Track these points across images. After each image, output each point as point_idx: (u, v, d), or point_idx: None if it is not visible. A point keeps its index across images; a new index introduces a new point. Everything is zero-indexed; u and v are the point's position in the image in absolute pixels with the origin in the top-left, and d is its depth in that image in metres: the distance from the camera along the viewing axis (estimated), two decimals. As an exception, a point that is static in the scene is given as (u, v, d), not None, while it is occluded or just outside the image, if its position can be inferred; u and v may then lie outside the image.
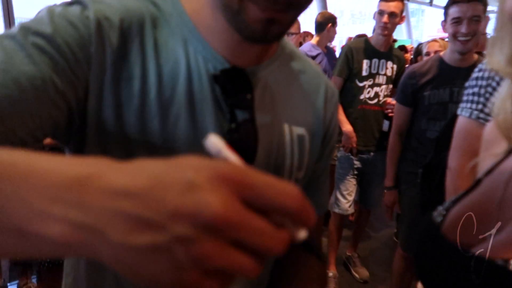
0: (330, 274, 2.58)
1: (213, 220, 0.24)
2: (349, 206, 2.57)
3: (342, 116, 2.47)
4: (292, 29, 2.51)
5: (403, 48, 5.68)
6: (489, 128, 0.65)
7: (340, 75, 2.48)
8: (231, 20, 0.51)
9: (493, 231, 0.50)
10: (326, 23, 3.35)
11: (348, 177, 2.57)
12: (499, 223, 0.50)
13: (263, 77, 0.60)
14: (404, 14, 2.40)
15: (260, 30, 0.49)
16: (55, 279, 1.94)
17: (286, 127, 0.62)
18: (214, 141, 0.30)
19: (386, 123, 2.48)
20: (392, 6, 2.30)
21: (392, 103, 2.39)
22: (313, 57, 3.09)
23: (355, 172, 2.56)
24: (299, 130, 0.64)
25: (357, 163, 2.54)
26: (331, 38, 3.45)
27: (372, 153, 2.51)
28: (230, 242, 0.25)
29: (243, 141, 0.57)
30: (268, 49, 0.60)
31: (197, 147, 0.53)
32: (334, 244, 2.65)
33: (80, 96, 0.50)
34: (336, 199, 2.60)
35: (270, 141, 0.60)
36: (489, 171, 0.58)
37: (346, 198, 2.56)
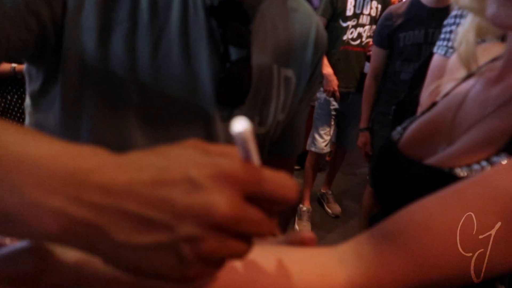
0: (304, 208, 2.72)
1: (220, 220, 0.25)
2: (325, 146, 2.65)
3: (325, 59, 2.47)
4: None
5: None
6: (452, 58, 0.69)
7: (323, 15, 2.44)
8: None
9: (442, 148, 0.55)
10: None
11: (326, 117, 2.62)
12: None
13: (259, 10, 0.57)
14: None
15: None
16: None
17: (275, 68, 0.61)
18: (244, 132, 0.27)
19: (367, 65, 2.50)
20: None
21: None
22: None
23: (333, 113, 2.61)
24: (287, 72, 0.63)
25: (335, 104, 2.59)
26: None
27: (351, 94, 2.55)
28: (231, 235, 0.26)
29: (236, 81, 0.55)
30: None
31: (189, 85, 0.52)
32: (309, 181, 2.76)
33: (55, 16, 0.46)
34: (313, 138, 2.67)
35: (259, 82, 0.59)
36: (446, 94, 0.62)
37: (323, 137, 2.64)
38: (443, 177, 0.47)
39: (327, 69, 2.47)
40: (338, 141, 2.78)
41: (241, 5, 0.53)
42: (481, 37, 0.56)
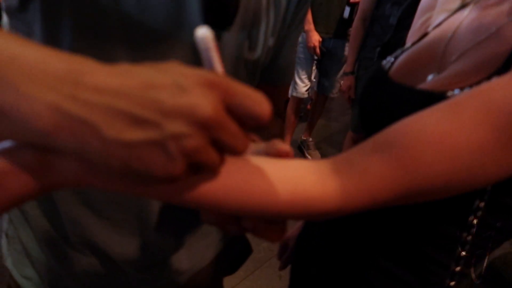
0: (285, 155, 2.78)
1: (204, 119, 0.27)
2: (306, 90, 2.66)
3: (308, 14, 2.42)
4: None
5: None
6: None
7: None
8: None
9: (431, 76, 0.56)
10: None
11: (307, 61, 2.61)
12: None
13: None
14: None
15: None
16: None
17: None
18: (206, 37, 0.30)
19: (347, 10, 2.46)
20: None
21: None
22: None
23: (315, 57, 2.60)
24: None
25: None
26: None
27: (332, 40, 2.53)
28: (211, 140, 0.28)
29: (223, 2, 0.53)
30: None
31: (175, 4, 0.50)
32: (290, 127, 2.79)
33: None
34: (294, 83, 2.67)
35: (248, 4, 0.56)
36: (439, 24, 0.62)
37: (304, 81, 2.64)
38: (435, 100, 0.47)
39: (308, 25, 2.43)
40: (318, 87, 2.79)
41: None
42: None
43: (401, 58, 0.61)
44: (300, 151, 3.02)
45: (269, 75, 0.69)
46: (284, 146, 0.42)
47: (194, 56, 0.52)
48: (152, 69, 0.28)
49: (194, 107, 0.27)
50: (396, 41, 1.34)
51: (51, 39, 0.48)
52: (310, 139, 3.00)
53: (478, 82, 0.47)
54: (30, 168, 0.29)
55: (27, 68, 0.25)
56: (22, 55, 0.25)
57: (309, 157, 2.94)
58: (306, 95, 2.71)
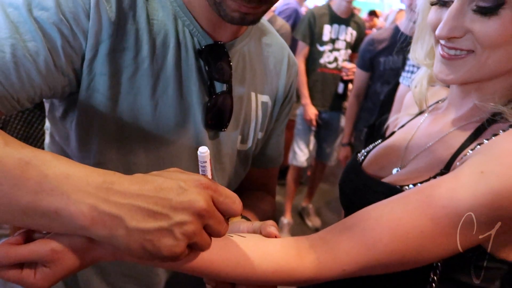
0: (285, 221, 2.86)
1: (201, 210, 0.40)
2: (306, 159, 2.82)
3: (304, 89, 2.66)
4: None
5: (373, 13, 5.81)
6: (408, 95, 0.84)
7: (304, 40, 2.63)
8: (214, 8, 0.59)
9: (396, 170, 0.70)
10: None
11: (305, 132, 2.80)
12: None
13: (238, 50, 0.70)
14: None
15: (238, 18, 0.57)
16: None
17: (253, 95, 0.74)
18: (205, 154, 0.48)
19: (341, 86, 2.69)
20: None
21: (347, 66, 2.58)
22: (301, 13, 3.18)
23: (313, 129, 2.79)
24: (263, 98, 0.76)
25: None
26: None
27: (328, 113, 2.74)
28: (203, 226, 0.42)
29: (220, 110, 0.67)
30: (243, 26, 0.69)
31: (182, 113, 0.64)
32: (290, 195, 2.91)
33: (77, 67, 0.56)
34: (294, 152, 2.84)
35: (240, 108, 0.71)
36: (403, 126, 0.78)
37: (303, 151, 2.81)
38: (395, 193, 0.60)
39: (305, 99, 2.67)
40: (317, 155, 2.95)
41: (223, 46, 0.65)
42: (431, 83, 0.72)
43: (372, 153, 0.75)
44: (300, 217, 3.11)
45: (260, 161, 0.85)
46: (273, 229, 0.56)
47: (195, 158, 0.67)
48: (161, 176, 0.41)
49: (193, 202, 0.40)
50: (380, 124, 1.50)
51: (83, 144, 0.63)
52: (310, 205, 3.10)
53: (427, 180, 0.60)
54: (80, 248, 0.43)
55: (76, 182, 0.38)
56: (73, 173, 0.39)
57: (309, 223, 3.02)
58: (305, 164, 2.86)
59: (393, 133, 0.78)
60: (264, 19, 0.78)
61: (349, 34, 2.66)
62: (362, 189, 0.69)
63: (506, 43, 0.52)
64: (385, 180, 0.67)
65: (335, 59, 2.67)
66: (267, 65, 0.76)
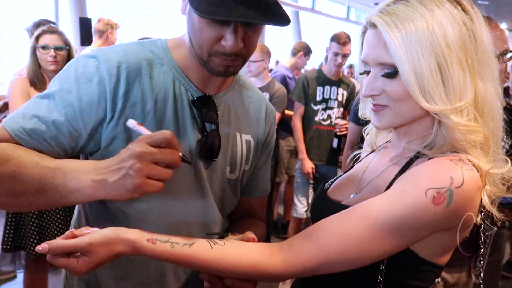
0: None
1: (139, 152, 0.66)
2: (305, 211, 2.94)
3: (301, 145, 2.89)
4: (253, 58, 2.94)
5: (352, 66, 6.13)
6: (366, 139, 1.02)
7: (299, 100, 2.89)
8: (203, 65, 0.82)
9: (353, 195, 0.86)
10: (298, 51, 3.80)
11: (304, 185, 2.96)
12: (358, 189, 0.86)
13: (224, 100, 0.92)
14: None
15: (222, 71, 0.81)
16: (39, 271, 2.17)
17: (238, 135, 0.95)
18: (131, 122, 0.72)
19: (335, 141, 2.89)
20: (346, 49, 2.75)
21: (340, 123, 2.79)
22: (289, 78, 3.56)
23: (311, 182, 2.94)
24: (247, 137, 0.97)
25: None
26: (298, 65, 3.87)
27: (324, 166, 2.91)
28: (153, 162, 0.66)
29: (210, 144, 0.88)
30: (227, 80, 0.93)
31: (182, 148, 0.82)
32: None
33: (91, 129, 0.81)
34: (294, 204, 2.98)
35: (227, 144, 0.92)
36: (360, 160, 0.95)
37: (302, 203, 2.95)
38: None
39: (301, 154, 2.89)
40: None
41: (211, 97, 0.88)
42: (379, 132, 0.93)
43: (336, 182, 0.92)
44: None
45: (250, 191, 1.06)
46: (251, 235, 0.74)
47: (197, 172, 0.90)
48: (118, 155, 0.69)
49: (133, 150, 0.66)
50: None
51: None
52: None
53: None
54: (108, 243, 0.66)
55: (82, 170, 0.71)
56: (79, 165, 0.72)
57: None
58: (305, 215, 2.98)
59: (353, 166, 0.95)
60: (245, 77, 1.01)
61: (340, 94, 2.91)
62: (326, 211, 0.84)
63: (407, 97, 0.71)
64: (343, 202, 0.83)
65: (329, 117, 2.90)
66: (248, 111, 0.98)
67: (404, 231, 0.67)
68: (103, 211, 0.88)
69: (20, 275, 2.52)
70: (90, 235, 0.65)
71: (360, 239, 0.67)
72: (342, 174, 0.96)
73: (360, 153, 1.01)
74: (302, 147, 2.88)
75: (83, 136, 0.81)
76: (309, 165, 2.85)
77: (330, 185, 0.93)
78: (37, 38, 2.12)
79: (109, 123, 0.81)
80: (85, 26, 4.31)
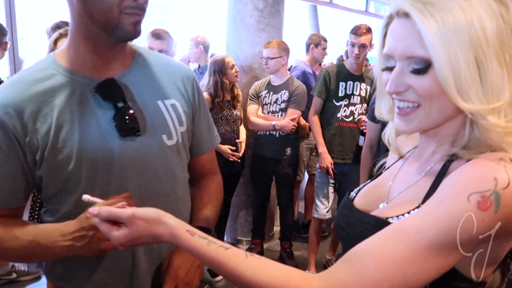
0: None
1: (90, 226, 0.82)
2: (327, 212, 2.86)
3: (320, 138, 2.80)
4: (271, 54, 2.86)
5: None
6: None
7: (319, 95, 2.80)
8: (112, 33, 0.84)
9: (382, 205, 0.78)
10: (309, 44, 3.70)
11: (325, 186, 2.86)
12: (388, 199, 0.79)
13: (131, 76, 0.95)
14: (373, 42, 2.73)
15: (133, 31, 0.84)
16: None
17: (160, 103, 0.97)
18: (85, 197, 0.77)
19: (361, 139, 2.78)
20: (362, 39, 2.63)
21: (366, 120, 2.69)
22: (309, 73, 3.50)
23: (332, 181, 2.85)
24: (171, 102, 1.00)
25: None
26: (316, 59, 3.77)
27: (347, 165, 2.81)
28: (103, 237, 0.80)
29: (127, 119, 0.90)
30: (124, 60, 0.95)
31: (103, 138, 0.89)
32: (314, 247, 2.92)
33: (35, 158, 0.88)
34: (315, 205, 2.89)
35: (149, 114, 0.95)
36: (387, 168, 0.87)
37: (324, 204, 2.86)
38: (381, 224, 0.70)
39: (321, 148, 2.78)
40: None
41: (111, 80, 0.91)
42: (398, 135, 0.85)
43: (362, 191, 0.85)
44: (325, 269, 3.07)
45: (196, 150, 1.12)
46: (120, 199, 0.81)
47: (122, 165, 0.93)
48: (79, 222, 0.85)
49: (92, 223, 0.79)
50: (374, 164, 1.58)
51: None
52: (334, 257, 3.08)
53: (408, 212, 0.69)
54: (149, 220, 0.69)
55: (52, 238, 0.86)
56: (47, 235, 0.87)
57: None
58: (327, 216, 2.89)
59: (380, 173, 0.88)
60: (145, 51, 1.05)
61: (363, 89, 2.80)
62: (353, 221, 0.78)
63: (439, 94, 0.64)
64: (373, 213, 0.76)
65: (352, 113, 2.79)
66: (162, 78, 1.01)
67: (451, 245, 0.59)
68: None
69: (44, 276, 2.55)
70: (135, 208, 0.70)
71: (402, 261, 0.60)
72: (368, 182, 0.88)
73: (385, 161, 0.94)
74: (321, 140, 2.78)
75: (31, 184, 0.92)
76: (328, 160, 2.75)
77: (356, 193, 0.86)
78: (55, 41, 2.10)
79: (40, 166, 0.88)
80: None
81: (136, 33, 0.86)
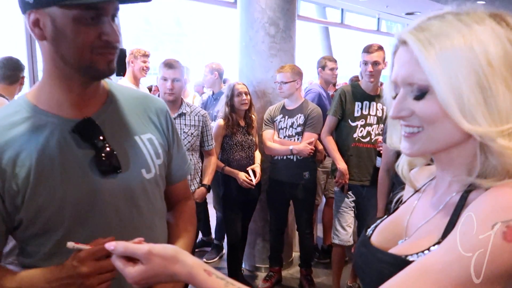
0: (333, 302, 2.74)
1: (83, 274, 0.81)
2: (350, 237, 2.76)
3: (337, 154, 2.73)
4: (285, 79, 2.85)
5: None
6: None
7: (334, 114, 2.76)
8: (85, 73, 0.85)
9: (401, 241, 0.74)
10: (318, 68, 3.70)
11: (345, 209, 2.78)
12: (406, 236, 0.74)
13: (108, 114, 0.95)
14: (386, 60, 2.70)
15: (107, 69, 0.85)
16: None
17: (137, 138, 0.99)
18: (70, 244, 0.76)
19: (379, 160, 2.71)
20: (375, 56, 2.61)
21: (382, 141, 2.63)
22: (324, 96, 3.50)
23: (352, 205, 2.77)
24: (147, 136, 1.01)
25: (351, 196, 2.76)
26: (327, 80, 3.75)
27: (365, 188, 2.73)
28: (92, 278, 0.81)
29: (108, 158, 0.90)
30: (99, 97, 0.95)
31: (87, 179, 0.90)
32: (336, 273, 2.82)
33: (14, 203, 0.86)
34: (336, 230, 2.81)
35: (127, 150, 0.96)
36: (404, 202, 0.83)
37: (345, 229, 2.77)
38: (400, 262, 0.66)
39: (341, 164, 2.71)
40: (358, 233, 2.89)
41: (89, 119, 0.91)
42: (412, 167, 0.82)
43: (379, 227, 0.81)
44: (349, 297, 2.97)
45: (172, 178, 1.14)
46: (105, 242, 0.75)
47: (102, 186, 0.93)
48: (66, 270, 0.83)
49: (79, 271, 0.80)
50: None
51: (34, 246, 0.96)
52: (357, 284, 2.97)
53: (428, 249, 0.65)
54: (166, 258, 0.67)
55: (37, 286, 0.85)
56: (32, 282, 0.86)
57: (358, 304, 2.87)
58: (350, 242, 2.80)
59: (397, 208, 0.84)
60: (117, 87, 1.05)
61: (379, 109, 2.75)
62: (371, 259, 0.74)
63: (442, 118, 0.63)
64: (391, 250, 0.71)
65: (368, 134, 2.74)
66: (136, 113, 1.02)
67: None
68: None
69: None
70: (152, 245, 0.67)
71: None
72: (385, 218, 0.84)
73: (402, 195, 0.90)
74: (338, 155, 2.72)
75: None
76: (347, 177, 2.69)
77: (372, 230, 0.82)
78: None
79: (20, 210, 0.86)
80: (120, 57, 4.42)
81: (110, 71, 0.88)
